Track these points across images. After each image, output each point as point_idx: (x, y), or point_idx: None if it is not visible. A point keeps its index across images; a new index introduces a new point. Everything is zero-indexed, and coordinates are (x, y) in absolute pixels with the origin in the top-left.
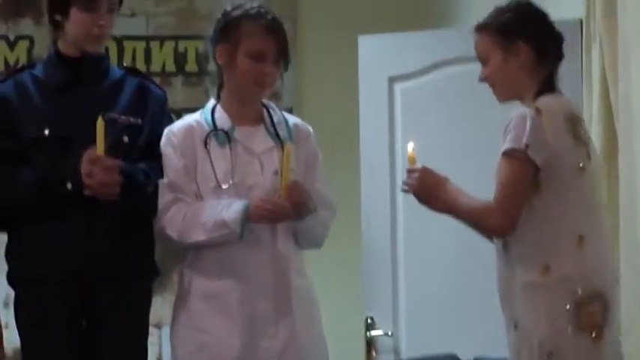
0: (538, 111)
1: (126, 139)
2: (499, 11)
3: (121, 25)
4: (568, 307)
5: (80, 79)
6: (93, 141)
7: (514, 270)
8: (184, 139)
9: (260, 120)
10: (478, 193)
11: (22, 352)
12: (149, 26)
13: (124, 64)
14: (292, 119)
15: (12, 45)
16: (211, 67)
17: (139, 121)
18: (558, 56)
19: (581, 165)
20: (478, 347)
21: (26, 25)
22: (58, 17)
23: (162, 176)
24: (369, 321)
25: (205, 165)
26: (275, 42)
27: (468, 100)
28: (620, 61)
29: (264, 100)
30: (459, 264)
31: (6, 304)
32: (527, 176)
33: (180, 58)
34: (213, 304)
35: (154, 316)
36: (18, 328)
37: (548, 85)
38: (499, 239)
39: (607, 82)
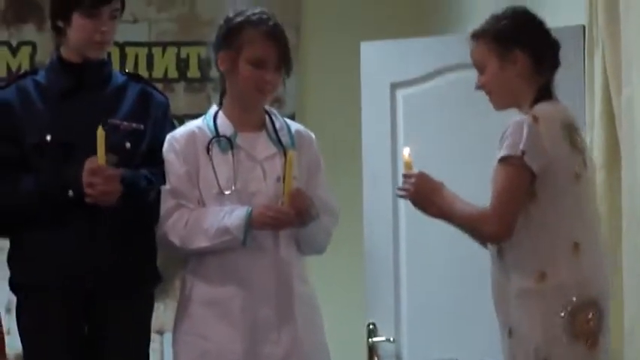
0: (535, 118)
1: (128, 145)
2: (495, 19)
3: (124, 31)
4: (563, 314)
5: (82, 85)
6: (95, 147)
7: (509, 276)
8: (187, 145)
9: (262, 126)
10: (480, 198)
11: (24, 358)
12: (151, 32)
13: (127, 70)
14: (294, 125)
15: (14, 51)
16: (213, 73)
17: (142, 127)
18: (555, 64)
19: (577, 172)
20: (480, 353)
21: (29, 31)
22: (60, 23)
23: (164, 182)
24: (371, 327)
25: (208, 171)
26: (276, 48)
27: (470, 107)
28: (622, 67)
29: (267, 107)
30: (460, 270)
31: (8, 310)
32: (523, 183)
33: (182, 64)
34: (215, 310)
35: (155, 322)
36: (20, 333)
37: (545, 93)
38: (494, 245)
39: (609, 89)
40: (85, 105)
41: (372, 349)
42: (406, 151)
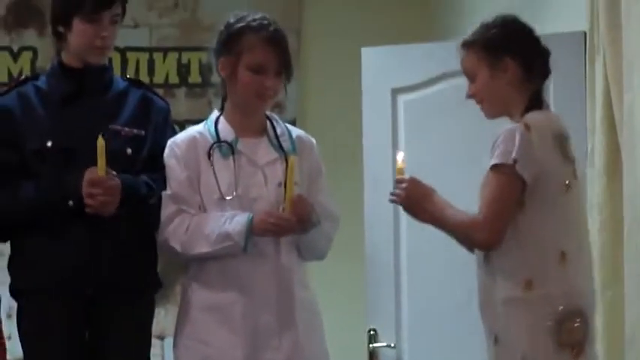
0: (527, 127)
1: (129, 150)
2: (485, 27)
3: (125, 37)
4: (550, 323)
5: (83, 90)
6: (96, 152)
7: (495, 279)
8: (188, 151)
9: (263, 132)
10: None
11: None
12: (152, 37)
13: (127, 76)
14: (295, 131)
15: (15, 56)
16: (214, 78)
17: (142, 132)
18: (545, 72)
19: (567, 183)
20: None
21: (30, 37)
22: (61, 29)
23: (165, 188)
24: (371, 333)
25: (209, 177)
26: (276, 54)
27: (470, 112)
28: (623, 73)
29: (268, 112)
30: (461, 276)
31: (9, 316)
32: (514, 191)
33: (183, 70)
34: (216, 316)
35: (156, 327)
36: (21, 339)
37: (536, 101)
38: (481, 251)
39: (610, 95)
40: (85, 110)
41: (372, 355)
42: (400, 157)
